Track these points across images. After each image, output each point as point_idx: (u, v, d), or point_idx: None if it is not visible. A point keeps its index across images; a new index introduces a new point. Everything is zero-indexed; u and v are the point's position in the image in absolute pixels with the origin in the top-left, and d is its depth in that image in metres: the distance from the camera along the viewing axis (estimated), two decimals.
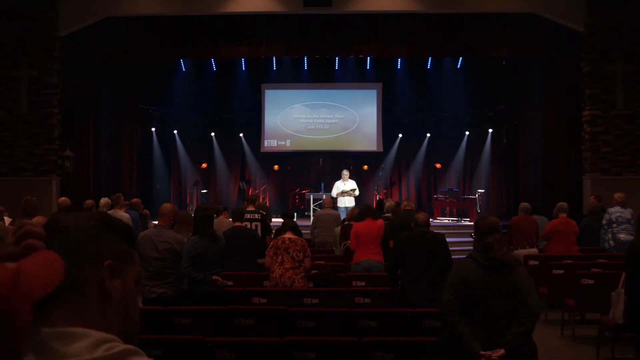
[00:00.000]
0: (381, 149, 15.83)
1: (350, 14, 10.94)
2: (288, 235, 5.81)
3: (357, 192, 12.08)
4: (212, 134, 16.04)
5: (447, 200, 14.43)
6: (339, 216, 8.97)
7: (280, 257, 5.64)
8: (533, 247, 7.70)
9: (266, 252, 5.82)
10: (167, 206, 5.12)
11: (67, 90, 10.57)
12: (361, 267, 6.26)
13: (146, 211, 9.53)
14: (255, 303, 5.06)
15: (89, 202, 8.20)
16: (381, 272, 6.21)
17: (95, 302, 0.95)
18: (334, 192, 12.11)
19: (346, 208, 10.73)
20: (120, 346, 0.88)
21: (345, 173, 12.22)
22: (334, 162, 16.18)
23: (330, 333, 4.14)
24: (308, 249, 5.79)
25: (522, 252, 7.39)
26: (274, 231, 7.57)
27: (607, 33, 10.08)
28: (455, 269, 3.31)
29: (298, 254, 5.63)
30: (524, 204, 8.23)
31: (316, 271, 6.14)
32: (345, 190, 11.94)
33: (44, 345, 0.87)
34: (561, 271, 6.51)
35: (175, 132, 15.78)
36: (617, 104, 10.12)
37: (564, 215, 7.57)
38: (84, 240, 0.97)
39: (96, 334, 0.89)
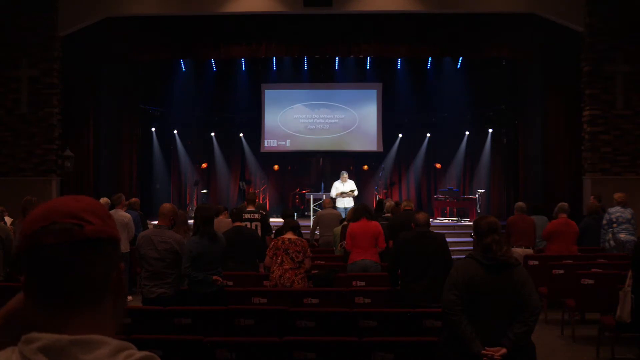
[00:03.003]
0: (381, 149, 15.83)
1: (350, 14, 10.93)
2: (288, 235, 5.79)
3: (355, 193, 12.10)
4: (212, 134, 16.05)
5: (447, 200, 14.43)
6: (340, 216, 8.97)
7: (279, 258, 5.62)
8: (529, 248, 7.69)
9: (266, 252, 5.82)
10: (167, 206, 5.11)
11: (67, 90, 10.56)
12: (357, 267, 6.26)
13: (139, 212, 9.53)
14: (255, 303, 5.06)
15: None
16: (377, 272, 6.21)
17: (111, 304, 0.96)
18: (332, 193, 12.13)
19: (345, 208, 10.74)
20: (138, 353, 0.89)
21: (345, 174, 12.23)
22: (334, 162, 16.19)
23: (330, 333, 4.14)
24: (308, 250, 5.78)
25: (517, 250, 7.38)
26: (274, 231, 7.57)
27: (607, 33, 10.07)
28: (456, 268, 3.31)
29: (298, 255, 5.61)
30: (519, 204, 8.25)
31: (316, 271, 6.14)
32: (344, 191, 11.95)
33: (65, 352, 0.87)
34: (561, 271, 6.51)
35: (175, 132, 15.78)
36: (617, 104, 10.12)
37: (564, 215, 7.57)
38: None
39: (114, 342, 0.89)
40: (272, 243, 5.86)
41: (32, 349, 0.87)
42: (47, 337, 0.88)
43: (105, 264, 0.95)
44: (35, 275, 0.93)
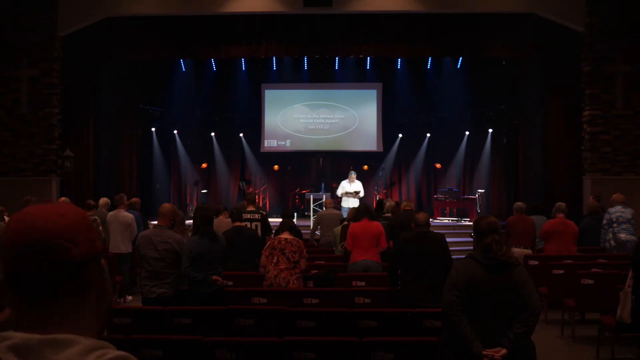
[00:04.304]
0: (381, 149, 15.83)
1: (350, 14, 10.93)
2: (285, 235, 5.79)
3: (361, 194, 12.10)
4: (212, 134, 16.05)
5: (447, 200, 14.43)
6: (341, 216, 8.97)
7: (275, 258, 5.62)
8: (527, 248, 7.68)
9: (262, 251, 5.82)
10: (166, 206, 5.12)
11: (67, 90, 10.56)
12: (358, 267, 6.26)
13: None
14: (255, 303, 5.06)
15: (89, 202, 8.21)
16: (378, 272, 6.21)
17: (92, 301, 0.95)
18: (338, 192, 12.21)
19: (349, 208, 10.74)
20: (113, 352, 0.88)
21: (353, 174, 12.25)
22: (334, 162, 16.21)
23: (330, 333, 4.14)
24: (304, 250, 5.76)
25: (516, 251, 7.37)
26: (273, 231, 7.56)
27: (607, 33, 10.07)
28: (456, 268, 3.31)
29: (293, 255, 5.61)
30: (518, 204, 8.25)
31: (316, 271, 6.14)
32: (349, 191, 11.96)
33: (35, 352, 0.86)
34: (561, 271, 6.51)
35: (175, 132, 15.79)
36: (617, 104, 10.11)
37: (562, 215, 7.56)
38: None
39: (87, 341, 0.88)
40: (269, 243, 5.86)
41: (2, 347, 0.87)
42: (18, 336, 0.87)
43: (86, 273, 0.95)
44: (14, 284, 0.93)
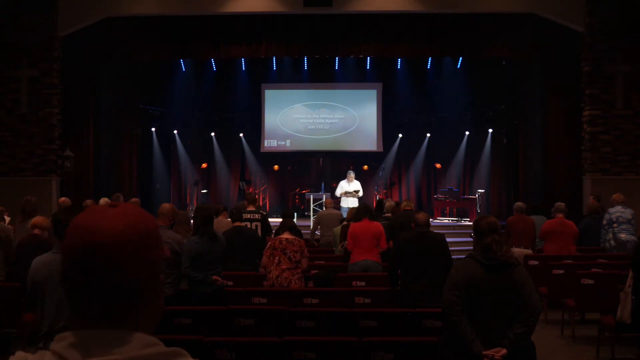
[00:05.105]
0: (381, 149, 15.84)
1: (350, 14, 10.93)
2: (285, 235, 5.79)
3: (360, 194, 12.09)
4: (212, 134, 16.05)
5: (447, 200, 14.44)
6: (341, 216, 8.97)
7: (277, 258, 5.61)
8: (527, 248, 7.68)
9: (264, 252, 5.82)
10: (166, 206, 5.12)
11: (67, 90, 10.56)
12: (359, 267, 6.26)
13: None
14: (255, 303, 5.06)
15: (88, 202, 8.20)
16: (378, 272, 6.21)
17: (145, 310, 0.96)
18: (337, 192, 12.19)
19: (349, 208, 10.75)
20: (167, 348, 0.93)
21: (351, 174, 12.24)
22: (334, 162, 16.21)
23: (330, 333, 4.14)
24: (305, 250, 5.77)
25: (516, 251, 7.37)
26: (274, 231, 7.56)
27: (607, 33, 10.06)
28: (456, 268, 3.31)
29: (295, 255, 5.61)
30: (518, 204, 8.25)
31: (316, 271, 6.14)
32: (348, 191, 11.96)
33: (94, 347, 0.89)
34: (561, 271, 6.51)
35: (175, 132, 15.79)
36: (617, 104, 10.11)
37: (561, 215, 7.56)
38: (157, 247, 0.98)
39: (143, 337, 0.92)
40: (270, 243, 5.86)
41: (63, 345, 0.89)
42: (74, 334, 0.90)
43: (142, 290, 0.96)
44: (70, 287, 0.93)
